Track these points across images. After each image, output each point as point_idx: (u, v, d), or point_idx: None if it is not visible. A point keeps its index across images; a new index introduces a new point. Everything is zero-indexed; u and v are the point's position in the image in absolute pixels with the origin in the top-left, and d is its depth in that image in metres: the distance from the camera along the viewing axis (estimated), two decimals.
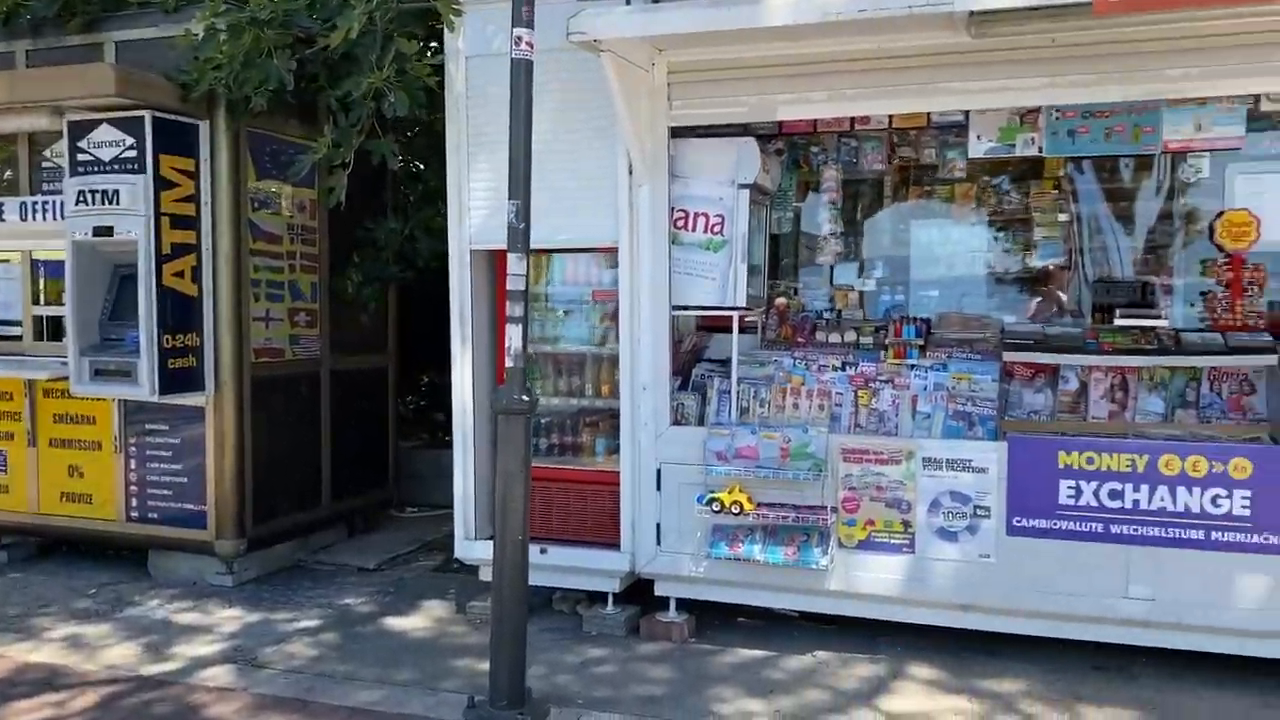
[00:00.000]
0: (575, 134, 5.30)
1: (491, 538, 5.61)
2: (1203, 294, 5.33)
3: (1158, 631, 4.63)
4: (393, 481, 7.85)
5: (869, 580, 4.98)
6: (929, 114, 5.35)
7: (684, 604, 5.39)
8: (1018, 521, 4.76)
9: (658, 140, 5.21)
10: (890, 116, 5.44)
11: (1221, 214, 5.09)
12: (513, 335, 4.23)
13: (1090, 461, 4.65)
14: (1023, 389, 5.28)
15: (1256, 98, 4.84)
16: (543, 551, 5.37)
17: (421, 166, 8.20)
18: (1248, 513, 4.44)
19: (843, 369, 5.30)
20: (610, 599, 5.49)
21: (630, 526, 5.39)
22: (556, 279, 5.79)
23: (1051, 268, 5.73)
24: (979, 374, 5.11)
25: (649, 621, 5.37)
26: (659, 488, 5.32)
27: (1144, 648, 4.78)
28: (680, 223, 5.31)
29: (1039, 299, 5.84)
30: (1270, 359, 4.86)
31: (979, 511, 4.81)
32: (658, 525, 5.33)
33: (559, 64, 5.09)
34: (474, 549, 5.68)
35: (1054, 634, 4.83)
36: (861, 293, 5.92)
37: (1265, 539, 4.43)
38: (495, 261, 5.72)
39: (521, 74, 4.16)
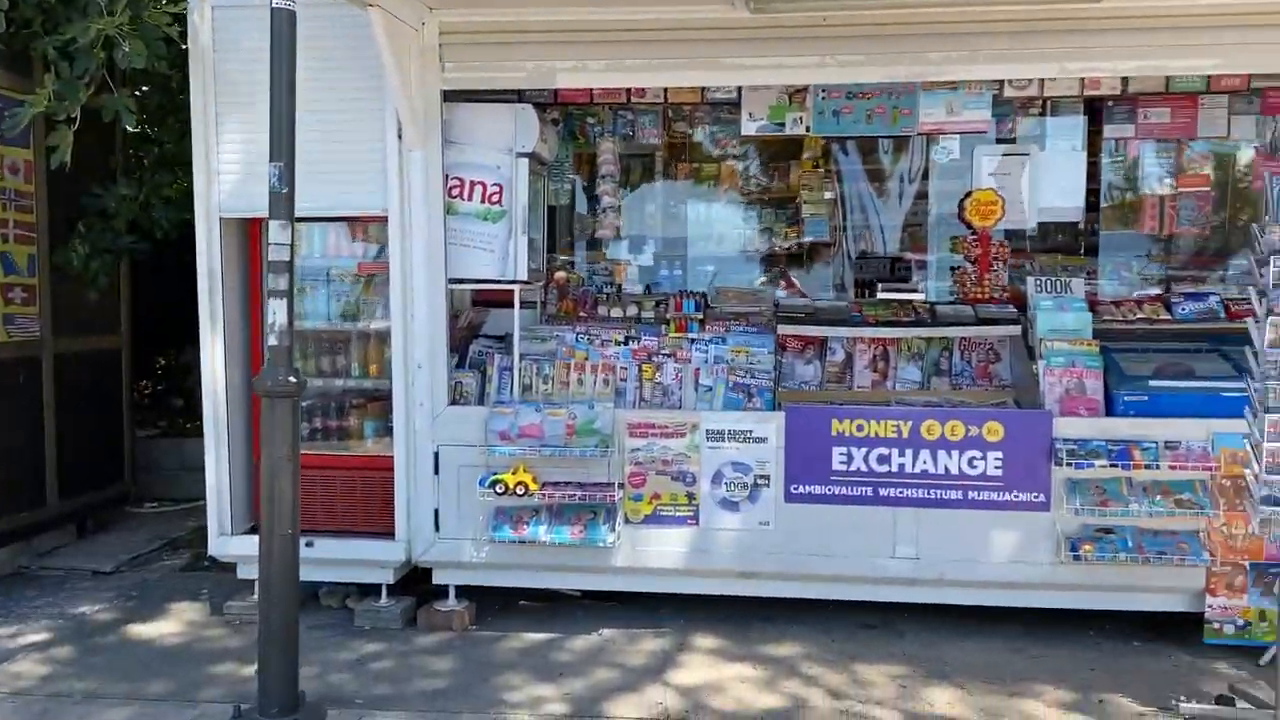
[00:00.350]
0: (338, 95, 4.93)
1: (251, 531, 5.25)
2: (953, 269, 5.67)
3: (922, 588, 4.90)
4: (129, 475, 7.12)
5: (655, 554, 4.97)
6: (703, 89, 5.39)
7: (463, 591, 5.19)
8: (795, 489, 4.88)
9: (430, 104, 4.93)
10: (665, 90, 5.43)
11: (970, 193, 5.41)
12: (277, 311, 3.86)
13: (860, 429, 4.83)
14: (794, 360, 5.43)
15: (1001, 83, 5.17)
16: (309, 545, 4.99)
17: (156, 129, 7.43)
18: (1000, 473, 4.75)
19: (626, 343, 5.25)
20: (384, 590, 5.20)
21: (406, 514, 5.11)
22: (317, 250, 5.39)
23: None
24: (756, 347, 5.20)
25: (427, 612, 5.13)
26: (437, 471, 5.07)
27: (907, 605, 5.05)
28: (456, 191, 5.07)
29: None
30: (1015, 329, 5.24)
31: (759, 481, 4.90)
32: (436, 511, 5.09)
33: (320, 19, 4.71)
34: (231, 545, 5.22)
35: (829, 596, 5.01)
36: (640, 267, 5.89)
37: (1015, 496, 4.76)
38: (249, 230, 5.26)
39: (284, 25, 3.79)
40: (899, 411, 4.86)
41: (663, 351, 5.23)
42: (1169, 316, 5.28)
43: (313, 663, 4.60)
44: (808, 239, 5.79)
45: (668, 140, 5.80)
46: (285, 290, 3.84)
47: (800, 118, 5.32)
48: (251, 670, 4.48)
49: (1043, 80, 5.15)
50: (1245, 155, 5.70)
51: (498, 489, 4.89)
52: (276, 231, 3.81)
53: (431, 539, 5.10)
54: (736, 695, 4.33)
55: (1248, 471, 3.78)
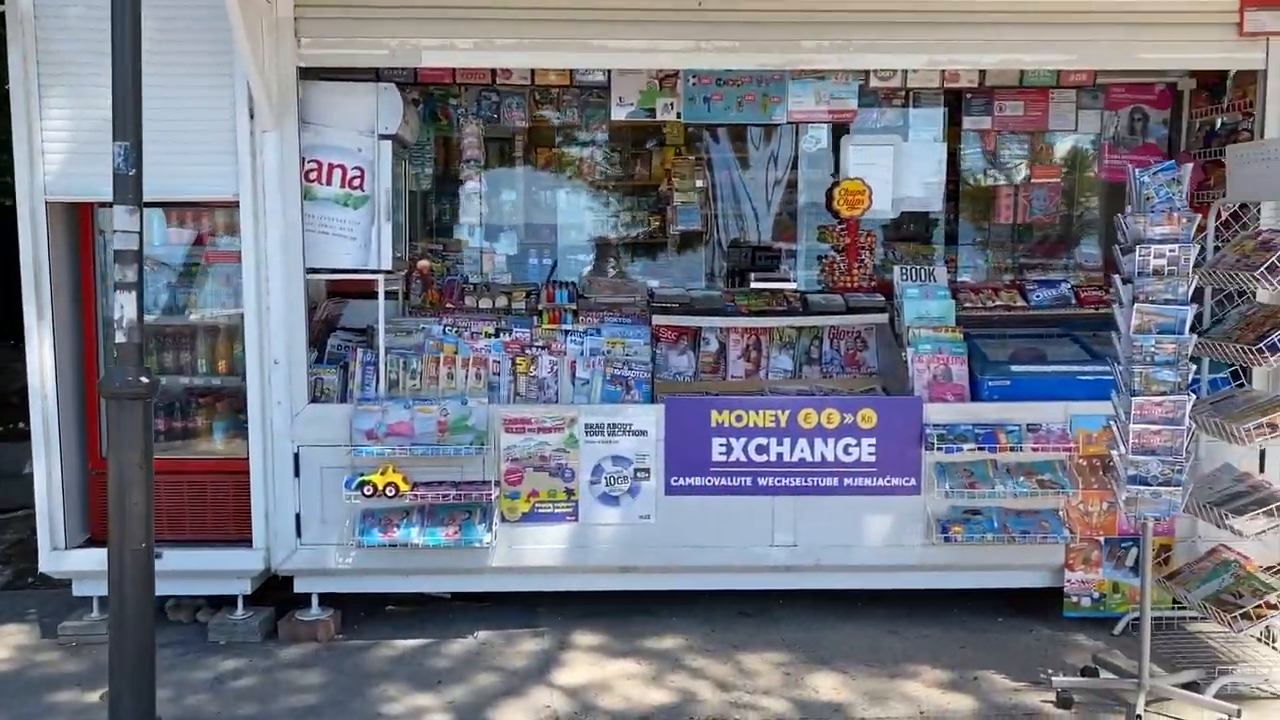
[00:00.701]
0: (181, 71, 4.54)
1: (89, 545, 4.82)
2: (820, 258, 5.73)
3: (800, 575, 4.93)
4: None
5: (534, 553, 4.82)
6: (572, 72, 5.25)
7: (326, 598, 4.90)
8: (675, 481, 4.82)
9: (285, 82, 4.61)
10: (532, 72, 5.26)
11: (838, 183, 5.47)
12: (125, 305, 3.52)
13: (739, 419, 4.81)
14: (668, 351, 5.38)
15: (867, 74, 5.25)
16: (158, 557, 4.59)
17: None
18: (874, 458, 4.83)
19: (497, 336, 5.06)
20: (240, 602, 4.86)
21: (265, 519, 4.79)
22: (157, 238, 4.97)
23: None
24: (631, 338, 5.11)
25: (289, 622, 4.82)
26: (297, 474, 4.77)
27: (781, 591, 5.08)
28: (314, 175, 4.76)
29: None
30: (882, 317, 5.33)
31: (639, 474, 4.81)
32: (297, 516, 4.78)
33: None
34: (67, 560, 4.77)
35: (709, 587, 4.98)
36: (507, 256, 5.70)
37: (888, 481, 4.84)
38: (79, 215, 4.81)
39: None
40: (777, 401, 4.86)
41: (536, 344, 5.07)
42: (1024, 303, 5.49)
43: (166, 684, 4.24)
44: (679, 227, 5.74)
45: (533, 124, 5.62)
46: (134, 282, 3.50)
47: (671, 104, 5.25)
48: (96, 697, 4.11)
49: (906, 72, 5.26)
50: (1092, 148, 5.97)
51: (366, 491, 4.63)
52: (123, 217, 3.46)
53: (293, 545, 4.79)
54: (624, 693, 4.24)
55: (1115, 452, 3.94)
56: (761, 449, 4.81)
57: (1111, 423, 4.02)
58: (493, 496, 4.72)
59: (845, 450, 4.82)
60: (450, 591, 5.13)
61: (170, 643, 4.74)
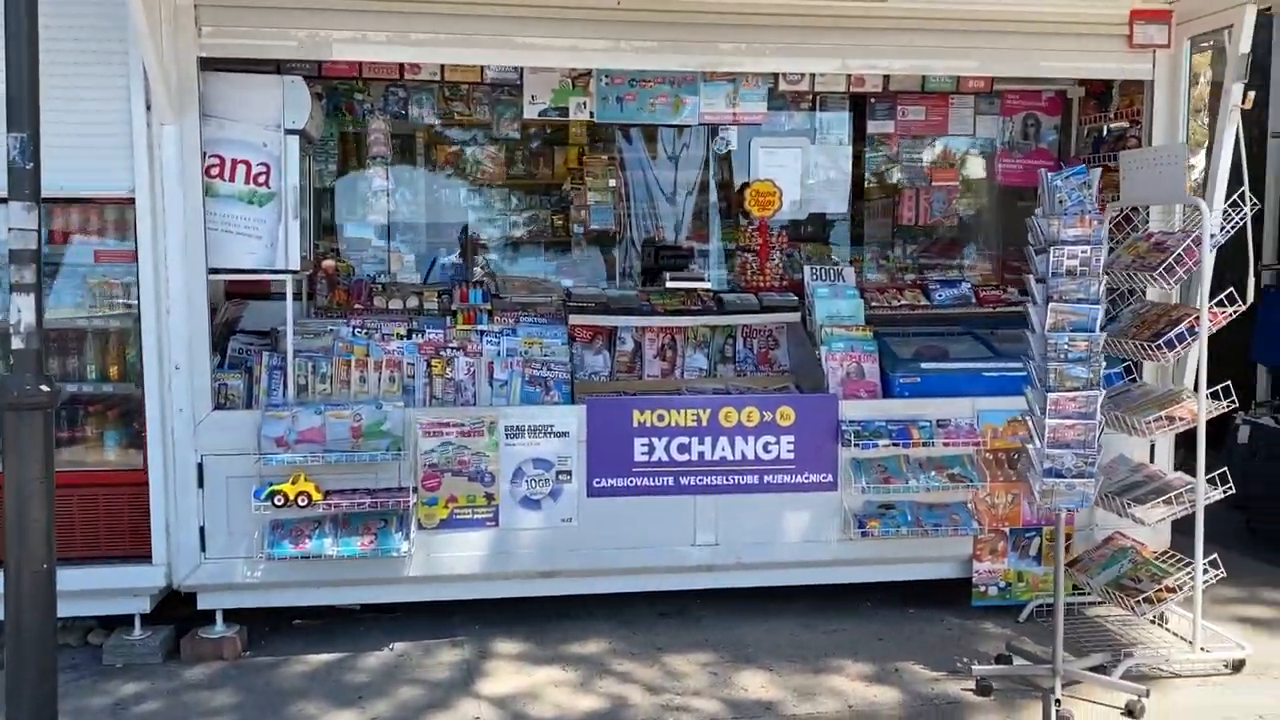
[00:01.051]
0: (72, 58, 4.26)
1: None
2: (731, 257, 5.77)
3: (722, 573, 4.95)
4: None
5: (452, 560, 4.70)
6: (483, 69, 5.15)
7: (231, 614, 4.68)
8: (598, 483, 4.78)
9: (185, 72, 4.38)
10: (442, 68, 5.13)
11: (749, 184, 5.52)
12: (22, 308, 3.28)
13: (661, 419, 4.80)
14: (584, 351, 5.33)
15: (776, 77, 5.31)
16: None
17: None
18: (793, 456, 4.88)
19: (409, 337, 4.92)
20: (138, 621, 4.59)
21: (165, 533, 4.54)
22: (44, 236, 4.64)
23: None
24: (549, 338, 5.04)
25: (192, 641, 4.58)
26: (201, 485, 4.54)
27: (698, 591, 5.09)
28: (216, 171, 4.54)
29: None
30: (795, 316, 5.40)
31: (561, 476, 4.75)
32: (202, 529, 4.55)
33: None
34: None
35: (632, 589, 4.95)
36: (416, 255, 5.55)
37: (806, 478, 4.91)
38: None
39: None
40: (699, 400, 4.87)
41: (451, 345, 4.95)
42: (927, 302, 5.64)
43: (62, 713, 3.92)
44: (593, 226, 5.69)
45: (443, 121, 5.50)
46: (31, 284, 3.27)
47: (584, 103, 5.22)
48: None
49: (814, 76, 5.35)
50: (988, 151, 6.19)
51: (276, 501, 4.43)
52: (19, 215, 3.22)
53: (197, 560, 4.55)
54: (554, 700, 4.18)
55: (1030, 447, 4.08)
56: (683, 448, 4.82)
57: (1026, 417, 4.17)
58: (410, 503, 4.58)
59: (765, 448, 4.87)
60: (359, 604, 4.96)
61: (62, 668, 4.41)
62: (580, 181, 5.96)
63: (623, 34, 4.68)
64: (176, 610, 4.70)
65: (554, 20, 4.59)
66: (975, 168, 6.23)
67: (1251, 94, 4.57)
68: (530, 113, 5.21)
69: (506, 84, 5.29)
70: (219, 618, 4.64)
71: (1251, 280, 4.85)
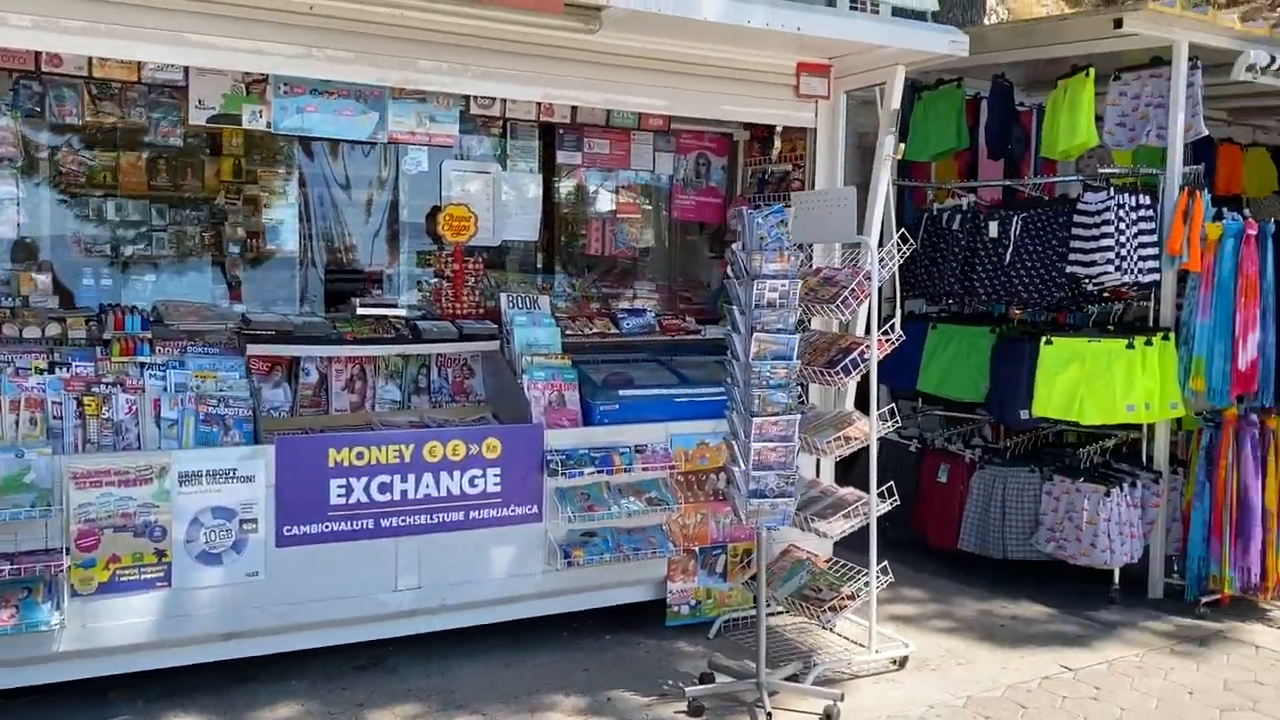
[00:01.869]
0: None
1: None
2: (422, 282, 5.53)
3: (425, 618, 4.69)
4: None
5: (114, 630, 4.06)
6: (139, 67, 4.55)
7: None
8: (289, 530, 4.36)
9: None
10: (90, 61, 4.47)
11: (441, 208, 5.32)
12: None
13: (360, 456, 4.48)
14: (261, 384, 4.86)
15: (467, 100, 5.18)
16: None
17: None
18: (499, 489, 4.75)
19: (52, 371, 4.20)
20: None
21: None
22: None
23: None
24: (224, 370, 4.52)
25: None
26: None
27: (393, 639, 4.79)
28: None
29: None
30: (493, 344, 5.27)
31: (245, 526, 4.27)
32: None
33: None
34: None
35: (329, 643, 4.55)
36: (53, 277, 4.77)
37: (513, 511, 4.79)
38: None
39: None
40: (402, 435, 4.60)
41: (106, 380, 4.29)
42: (617, 330, 5.74)
43: None
44: (270, 246, 5.20)
45: (89, 122, 4.78)
46: None
47: (260, 111, 4.76)
48: None
49: (505, 101, 5.28)
50: (665, 188, 6.44)
51: None
52: None
53: None
54: None
55: (736, 469, 4.26)
56: (385, 487, 4.52)
57: (730, 441, 4.34)
58: (62, 567, 3.90)
59: (471, 482, 4.69)
60: None
61: None
62: (235, 195, 5.45)
63: (316, 41, 4.34)
64: None
65: (240, 20, 4.15)
66: (655, 202, 6.47)
67: (903, 145, 5.12)
68: (196, 118, 4.66)
69: (168, 86, 4.71)
70: None
71: (899, 313, 5.41)
